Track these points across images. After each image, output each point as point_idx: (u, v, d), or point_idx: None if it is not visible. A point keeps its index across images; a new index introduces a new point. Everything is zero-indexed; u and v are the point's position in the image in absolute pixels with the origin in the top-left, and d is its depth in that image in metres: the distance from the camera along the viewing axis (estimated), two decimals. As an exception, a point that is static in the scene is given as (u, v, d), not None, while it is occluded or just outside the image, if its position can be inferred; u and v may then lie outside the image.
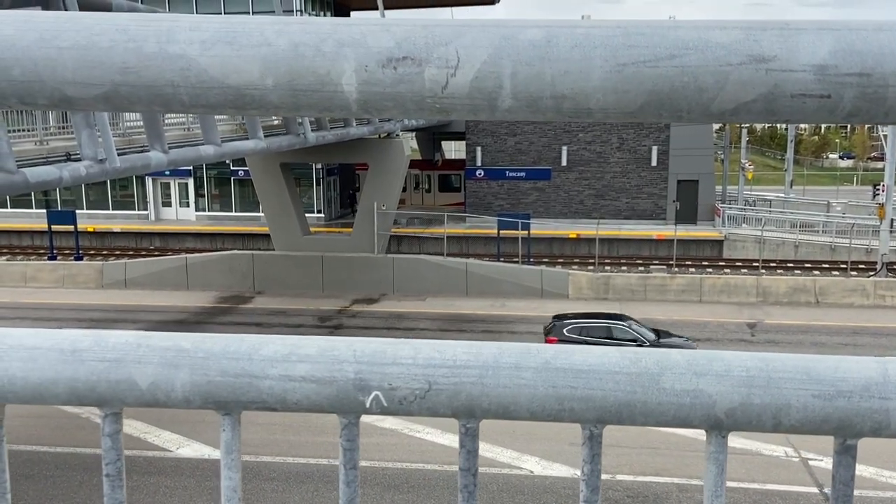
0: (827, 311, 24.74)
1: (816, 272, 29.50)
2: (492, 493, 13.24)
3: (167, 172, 39.15)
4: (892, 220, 27.77)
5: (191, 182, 40.49)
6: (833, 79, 0.72)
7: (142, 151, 14.92)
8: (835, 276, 27.94)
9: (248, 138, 18.47)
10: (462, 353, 0.87)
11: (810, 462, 13.97)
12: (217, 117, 17.73)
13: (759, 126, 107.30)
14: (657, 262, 32.09)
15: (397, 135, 29.24)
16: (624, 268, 31.34)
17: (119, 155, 13.99)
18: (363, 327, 24.33)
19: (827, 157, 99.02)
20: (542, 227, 34.59)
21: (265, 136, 19.21)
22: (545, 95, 0.75)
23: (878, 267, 27.85)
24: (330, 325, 24.74)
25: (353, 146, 28.47)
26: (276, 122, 21.46)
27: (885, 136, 29.33)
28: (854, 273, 28.47)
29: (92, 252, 36.29)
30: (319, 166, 38.52)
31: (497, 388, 0.86)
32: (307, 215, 34.83)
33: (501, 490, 13.29)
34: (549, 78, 0.75)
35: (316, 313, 26.00)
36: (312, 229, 33.28)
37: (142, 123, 15.26)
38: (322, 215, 39.34)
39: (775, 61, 0.73)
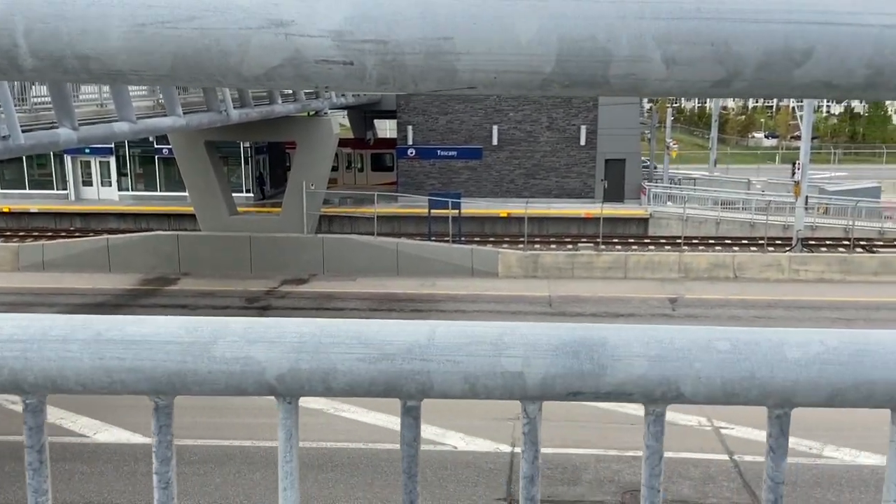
0: (745, 286, 25.61)
1: (736, 248, 30.47)
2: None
3: (87, 150, 37.77)
4: (806, 196, 28.86)
5: (113, 161, 39.16)
6: (351, 45, 0.71)
7: (51, 128, 14.35)
8: (753, 251, 28.91)
9: (166, 115, 17.95)
10: (10, 327, 0.84)
11: (722, 430, 14.51)
12: (133, 93, 17.16)
13: (687, 106, 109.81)
14: (585, 239, 32.63)
15: (326, 113, 28.86)
16: (553, 246, 31.77)
17: (25, 132, 13.44)
18: (292, 308, 24.08)
19: (753, 137, 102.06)
20: (473, 207, 34.73)
21: (185, 113, 18.70)
22: (66, 55, 0.71)
23: (794, 242, 28.95)
24: (258, 306, 24.41)
25: (281, 124, 27.98)
26: (197, 99, 20.91)
27: (801, 117, 30.40)
28: (771, 249, 29.52)
29: (7, 234, 34.85)
30: (248, 145, 37.76)
31: (41, 361, 0.83)
32: (236, 195, 34.16)
33: (425, 466, 13.39)
34: (67, 37, 0.71)
35: (244, 294, 25.60)
36: (242, 209, 32.66)
37: (50, 99, 14.66)
38: (251, 195, 38.65)
39: (293, 26, 0.70)
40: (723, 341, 0.85)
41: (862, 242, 30.85)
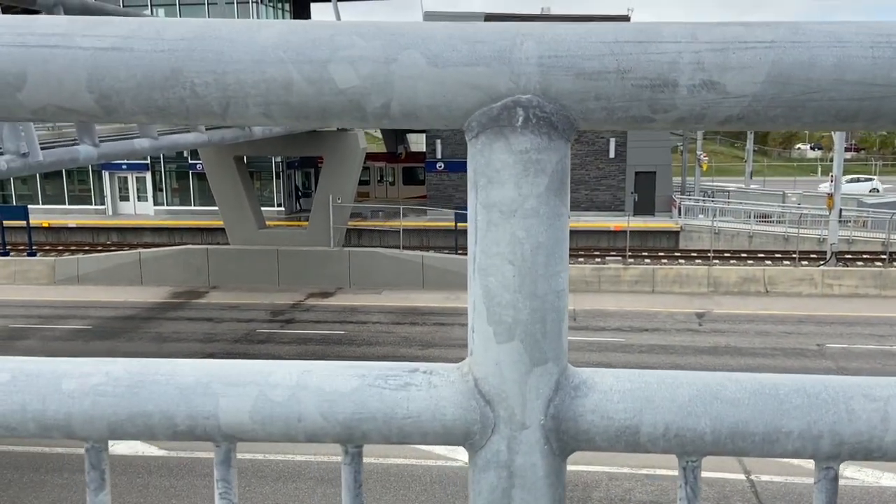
0: (775, 300, 25.03)
1: (768, 262, 29.82)
2: (425, 484, 13.29)
3: (124, 166, 38.75)
4: (840, 209, 28.15)
5: (148, 176, 40.09)
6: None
7: (72, 145, 14.72)
8: (785, 265, 28.26)
9: (188, 131, 18.30)
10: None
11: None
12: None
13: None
14: (614, 253, 32.28)
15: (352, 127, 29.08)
16: (581, 259, 31.49)
17: (46, 148, 13.82)
18: (316, 321, 24.25)
19: (798, 148, 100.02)
20: (502, 220, 34.50)
21: (207, 129, 19.04)
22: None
23: (828, 256, 28.24)
24: (282, 319, 24.63)
25: (308, 139, 28.30)
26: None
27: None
28: (804, 263, 28.83)
29: (47, 247, 35.82)
30: (279, 159, 38.30)
31: None
32: (267, 209, 34.65)
33: (434, 481, 13.35)
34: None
35: (269, 308, 25.87)
36: (272, 223, 33.08)
37: (71, 117, 15.04)
38: (282, 209, 39.15)
39: None
40: (3, 373, 0.84)
41: (900, 256, 29.96)
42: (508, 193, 0.76)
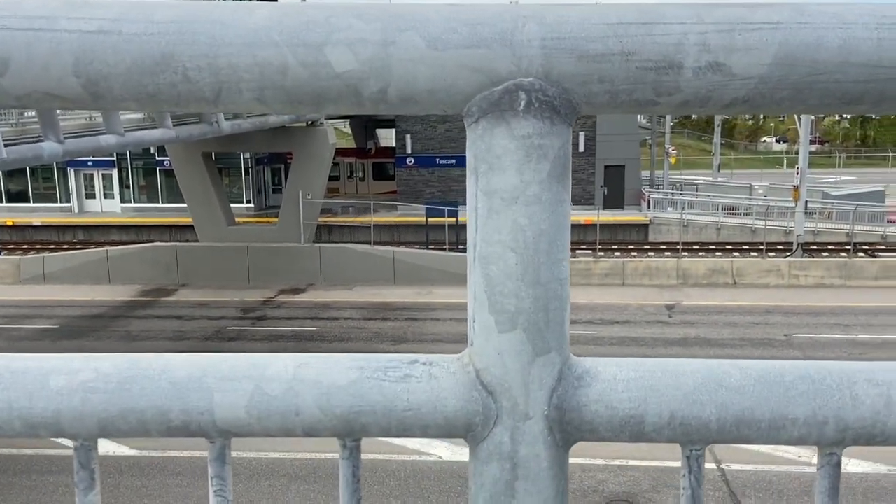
0: (743, 292, 25.40)
1: (736, 254, 30.25)
2: (399, 479, 13.28)
3: (90, 163, 38.09)
4: (806, 201, 28.62)
5: (115, 173, 39.44)
6: None
7: (36, 141, 14.44)
8: (753, 257, 28.68)
9: (155, 127, 18.04)
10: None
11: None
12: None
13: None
14: (584, 246, 32.49)
15: (321, 122, 28.91)
16: (552, 253, 31.60)
17: (10, 145, 13.54)
18: (287, 318, 24.09)
19: (764, 141, 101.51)
20: (473, 214, 34.59)
21: (175, 125, 18.79)
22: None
23: (794, 247, 28.72)
24: (253, 316, 24.42)
25: (277, 134, 28.06)
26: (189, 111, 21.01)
27: (800, 120, 30.19)
28: (772, 254, 29.30)
29: (11, 246, 35.13)
30: (248, 155, 37.94)
31: None
32: (236, 205, 34.31)
33: (408, 476, 13.35)
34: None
35: (240, 305, 25.64)
36: (241, 220, 32.78)
37: (34, 113, 14.77)
38: (251, 205, 38.79)
39: None
40: None
41: (864, 247, 30.58)
42: (510, 180, 0.74)
